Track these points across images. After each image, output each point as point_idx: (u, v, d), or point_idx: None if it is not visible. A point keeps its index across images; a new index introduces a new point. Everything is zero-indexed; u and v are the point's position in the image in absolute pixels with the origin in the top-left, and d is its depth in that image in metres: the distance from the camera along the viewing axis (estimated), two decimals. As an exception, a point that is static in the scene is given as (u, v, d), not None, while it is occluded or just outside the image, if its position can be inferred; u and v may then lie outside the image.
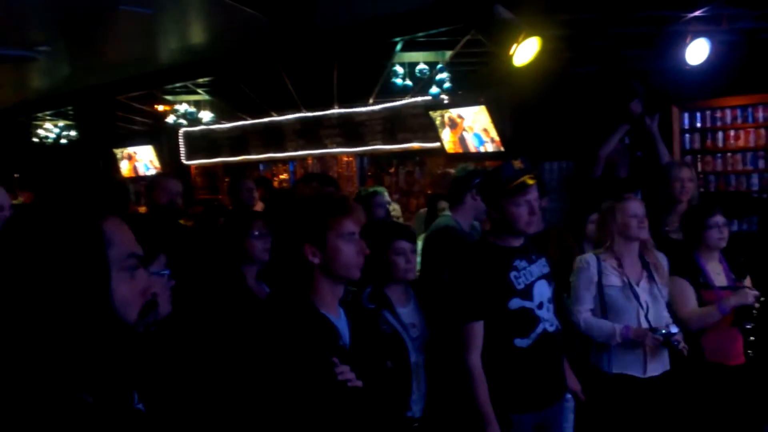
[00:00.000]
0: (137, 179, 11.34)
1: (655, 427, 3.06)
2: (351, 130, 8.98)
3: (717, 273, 3.38)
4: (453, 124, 7.65)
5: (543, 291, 2.64)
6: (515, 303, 2.56)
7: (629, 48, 5.54)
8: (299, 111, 9.30)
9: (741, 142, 5.88)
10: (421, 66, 6.44)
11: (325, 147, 9.38)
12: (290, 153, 9.88)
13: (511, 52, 4.29)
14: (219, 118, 9.88)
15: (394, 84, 6.69)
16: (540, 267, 2.69)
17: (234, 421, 1.90)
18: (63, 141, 11.44)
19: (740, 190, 5.89)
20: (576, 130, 6.03)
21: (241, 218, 2.91)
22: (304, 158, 9.93)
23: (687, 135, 6.18)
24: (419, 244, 4.20)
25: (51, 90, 8.72)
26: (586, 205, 4.10)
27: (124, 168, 12.17)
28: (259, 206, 5.14)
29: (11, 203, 1.70)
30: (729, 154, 5.97)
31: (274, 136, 10.00)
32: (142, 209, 5.10)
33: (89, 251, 1.03)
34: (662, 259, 3.22)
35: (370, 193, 4.12)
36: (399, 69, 6.57)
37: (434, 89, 6.84)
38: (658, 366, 3.08)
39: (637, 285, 3.08)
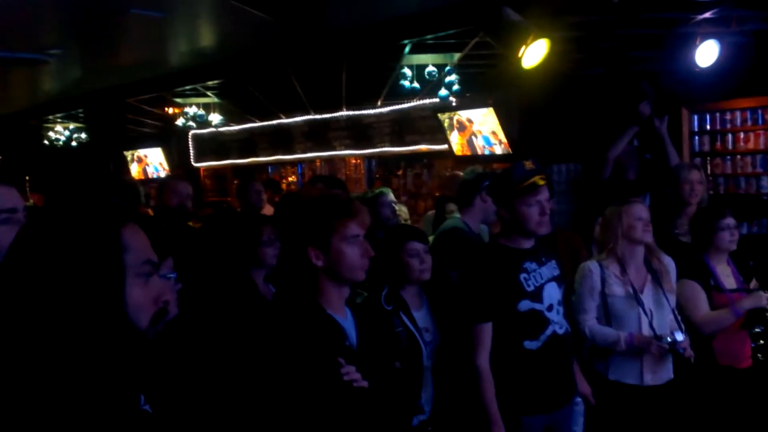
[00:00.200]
0: (147, 181, 11.39)
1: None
2: (359, 133, 8.99)
3: (726, 275, 3.37)
4: (461, 127, 7.65)
5: (553, 293, 2.63)
6: (525, 305, 2.56)
7: (638, 50, 5.53)
8: (308, 113, 9.32)
9: (751, 145, 5.85)
10: (430, 68, 6.44)
11: (334, 149, 9.39)
12: (299, 155, 9.90)
13: (519, 54, 4.29)
14: (228, 120, 9.91)
15: (403, 86, 6.70)
16: (550, 269, 2.68)
17: (239, 420, 1.91)
18: (73, 143, 11.51)
19: (750, 193, 5.86)
20: (584, 132, 6.01)
21: (250, 224, 2.92)
22: (312, 160, 9.95)
23: (696, 137, 6.15)
24: (428, 246, 4.22)
25: (62, 93, 8.79)
26: (595, 207, 4.09)
27: (134, 170, 12.23)
28: (267, 208, 5.16)
29: (25, 205, 1.72)
30: (738, 157, 5.93)
31: (282, 139, 10.03)
32: (149, 211, 5.11)
33: (106, 255, 1.04)
34: (669, 265, 3.16)
35: (375, 195, 4.13)
36: (407, 71, 6.58)
37: (442, 91, 6.84)
38: (660, 375, 3.04)
39: (641, 292, 3.04)
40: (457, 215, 3.54)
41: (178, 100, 8.91)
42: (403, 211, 4.95)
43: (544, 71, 4.56)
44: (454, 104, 7.50)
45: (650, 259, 3.13)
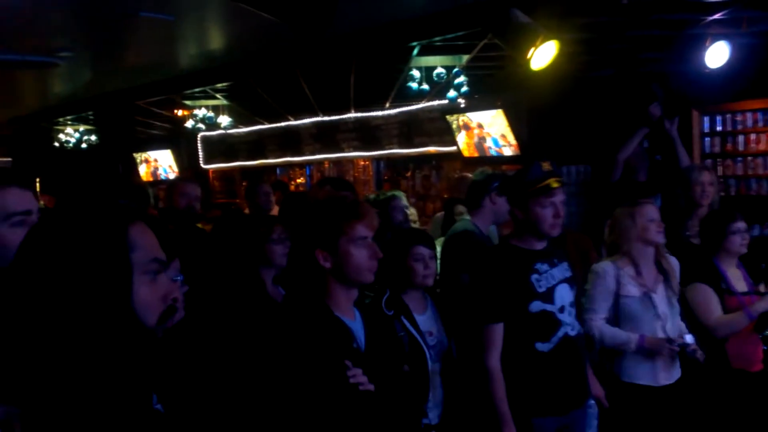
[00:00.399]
0: (156, 183, 11.44)
1: None
2: (367, 134, 8.99)
3: (737, 279, 3.35)
4: (469, 129, 7.64)
5: (565, 295, 2.63)
6: (536, 306, 2.55)
7: (648, 51, 5.51)
8: (316, 115, 9.33)
9: (762, 146, 5.81)
10: (438, 70, 6.44)
11: (342, 151, 9.40)
12: (307, 157, 9.92)
13: (528, 56, 4.28)
14: (237, 122, 9.95)
15: (411, 88, 6.69)
16: (562, 271, 2.67)
17: (245, 421, 1.91)
18: (84, 145, 11.58)
19: (761, 194, 5.82)
20: (594, 133, 6.00)
21: (260, 223, 2.92)
22: (320, 162, 9.96)
23: (707, 138, 6.12)
24: (438, 248, 4.21)
25: (72, 95, 8.84)
26: (605, 209, 4.07)
27: (142, 172, 12.29)
28: (276, 210, 5.16)
29: (39, 208, 1.73)
30: (749, 158, 5.90)
31: (291, 141, 10.05)
32: (154, 212, 5.12)
33: (113, 253, 1.05)
34: (675, 265, 3.18)
35: (388, 197, 4.11)
36: (416, 73, 6.58)
37: (451, 93, 6.84)
38: (672, 374, 3.05)
39: (654, 293, 3.05)
40: (467, 217, 3.53)
41: (188, 102, 8.95)
42: (412, 213, 4.94)
43: (553, 73, 4.54)
44: (462, 106, 7.49)
45: (660, 259, 3.13)
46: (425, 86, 6.64)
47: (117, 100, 8.63)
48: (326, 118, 9.34)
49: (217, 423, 2.02)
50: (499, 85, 6.99)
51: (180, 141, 11.47)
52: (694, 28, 4.71)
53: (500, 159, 7.41)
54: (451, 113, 7.69)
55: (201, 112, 8.97)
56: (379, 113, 8.71)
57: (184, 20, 5.17)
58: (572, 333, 2.62)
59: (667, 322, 3.02)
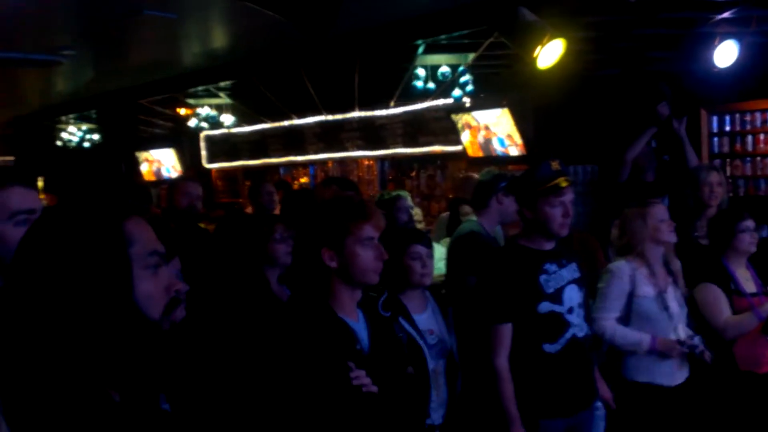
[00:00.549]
0: (159, 183, 11.44)
1: None
2: (372, 134, 8.97)
3: (746, 279, 3.34)
4: (475, 129, 7.60)
5: (573, 296, 2.61)
6: (545, 306, 2.54)
7: (656, 50, 5.48)
8: (320, 114, 9.31)
9: (771, 146, 5.78)
10: (443, 69, 6.41)
11: (346, 150, 9.38)
12: (311, 156, 9.90)
13: (535, 55, 4.24)
14: (240, 121, 9.94)
15: (416, 87, 6.67)
16: (571, 272, 2.65)
17: (249, 421, 1.90)
18: (86, 144, 11.60)
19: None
20: (601, 133, 5.97)
21: (262, 222, 2.91)
22: (324, 162, 9.95)
23: (715, 138, 6.09)
24: (442, 248, 4.17)
25: (75, 94, 8.85)
26: (612, 209, 4.04)
27: (145, 171, 12.29)
28: (279, 209, 5.13)
29: (42, 207, 1.73)
30: (758, 158, 5.87)
31: (294, 140, 10.03)
32: (158, 211, 5.10)
33: (111, 249, 1.04)
34: (679, 266, 3.21)
35: (393, 197, 4.09)
36: (421, 72, 6.55)
37: (456, 92, 6.81)
38: (683, 373, 3.07)
39: (666, 293, 3.05)
40: (473, 218, 3.51)
41: (191, 101, 8.94)
42: (417, 213, 4.91)
43: (560, 72, 4.52)
44: (468, 105, 7.46)
45: (668, 260, 3.15)
46: (431, 85, 6.61)
47: (120, 99, 8.64)
48: (330, 118, 9.32)
49: (222, 423, 2.01)
50: (505, 84, 6.97)
51: (183, 140, 11.47)
52: (703, 27, 4.68)
53: (506, 159, 7.39)
54: (457, 112, 7.66)
55: (204, 111, 8.97)
56: (384, 112, 8.69)
57: (188, 18, 5.16)
58: (580, 334, 2.61)
59: (678, 322, 3.03)
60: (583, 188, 6.11)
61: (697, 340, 2.97)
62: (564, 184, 2.55)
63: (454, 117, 7.74)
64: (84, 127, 11.45)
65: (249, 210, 5.69)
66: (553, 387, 2.55)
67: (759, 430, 3.17)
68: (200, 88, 7.98)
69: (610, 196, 4.77)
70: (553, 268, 2.60)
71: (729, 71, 4.77)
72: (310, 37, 3.98)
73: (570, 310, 2.58)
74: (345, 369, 1.82)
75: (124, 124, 10.80)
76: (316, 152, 9.78)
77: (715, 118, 6.07)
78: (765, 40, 4.96)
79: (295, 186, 9.90)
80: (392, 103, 8.40)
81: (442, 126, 8.07)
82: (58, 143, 11.60)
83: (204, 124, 9.28)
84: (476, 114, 7.49)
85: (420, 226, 4.91)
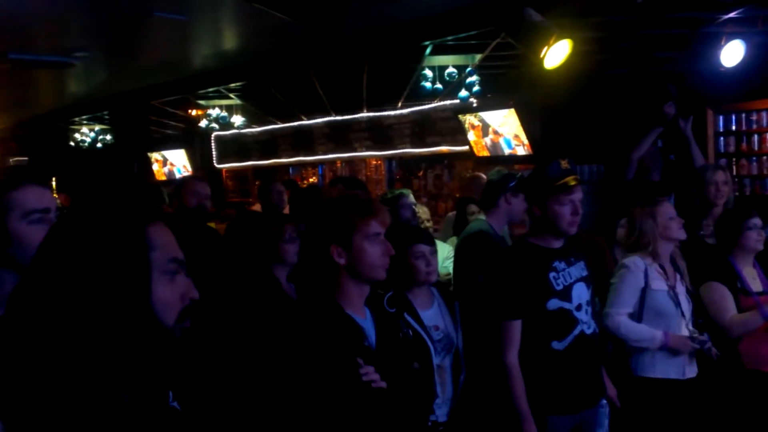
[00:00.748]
0: (170, 182, 11.53)
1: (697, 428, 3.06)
2: (380, 134, 9.01)
3: (753, 278, 3.34)
4: (483, 129, 7.62)
5: (582, 293, 2.63)
6: (553, 303, 2.56)
7: (662, 50, 5.47)
8: (329, 115, 9.36)
9: (778, 145, 5.76)
10: (451, 69, 6.43)
11: (354, 150, 9.42)
12: (319, 156, 9.95)
13: (541, 55, 4.26)
14: (250, 122, 10.00)
15: (423, 87, 6.69)
16: (579, 269, 2.68)
17: (259, 418, 1.93)
18: (99, 145, 11.69)
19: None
20: (607, 133, 5.97)
21: (273, 222, 2.95)
22: (333, 162, 9.99)
23: (722, 138, 6.06)
24: (448, 247, 4.21)
25: (88, 95, 8.92)
26: (618, 208, 4.06)
27: (157, 171, 12.38)
28: (288, 209, 5.18)
29: (57, 206, 1.76)
30: (765, 157, 5.83)
31: (303, 140, 10.08)
32: (170, 210, 5.15)
33: (133, 253, 1.05)
34: (684, 264, 3.24)
35: (396, 195, 4.13)
36: (428, 72, 6.57)
37: (463, 92, 6.82)
38: (693, 368, 3.09)
39: (675, 289, 3.09)
40: (482, 217, 3.53)
41: (201, 102, 9.00)
42: (423, 212, 4.94)
43: (567, 72, 4.53)
44: (475, 105, 7.48)
45: (675, 256, 3.18)
46: (438, 85, 6.64)
47: (132, 100, 8.70)
48: (339, 118, 9.36)
49: (232, 420, 2.04)
50: (511, 85, 6.97)
51: (194, 140, 11.55)
52: (709, 27, 4.68)
53: (513, 158, 7.39)
54: (464, 113, 7.68)
55: (215, 112, 9.03)
56: (392, 113, 8.72)
57: (198, 20, 5.21)
58: (588, 331, 2.62)
59: (688, 318, 3.06)
60: (590, 188, 6.12)
61: (705, 336, 3.01)
62: (573, 183, 2.58)
63: (461, 117, 7.76)
64: (97, 127, 11.53)
65: (256, 208, 5.72)
66: (561, 384, 2.56)
67: (763, 428, 3.18)
68: (211, 89, 8.03)
69: (617, 196, 4.79)
70: (561, 265, 2.62)
71: (735, 71, 4.76)
72: (319, 38, 4.02)
73: (578, 307, 2.60)
74: (354, 365, 1.84)
75: (136, 125, 10.88)
76: (325, 152, 9.82)
77: (721, 118, 6.04)
78: (772, 39, 4.95)
79: (304, 186, 9.95)
80: (400, 104, 8.43)
81: (450, 126, 8.09)
82: (72, 144, 11.69)
83: (215, 125, 9.34)
84: (483, 114, 7.51)
85: (428, 225, 4.94)
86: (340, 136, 9.53)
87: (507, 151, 7.49)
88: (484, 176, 5.14)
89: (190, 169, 11.79)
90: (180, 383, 1.28)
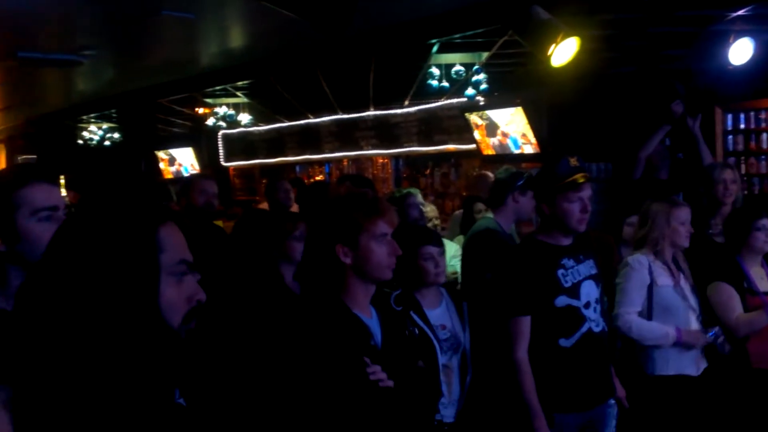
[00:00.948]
0: (177, 181, 11.56)
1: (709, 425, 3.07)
2: (386, 132, 9.01)
3: (761, 278, 3.34)
4: (489, 127, 7.61)
5: (590, 291, 2.64)
6: (562, 300, 2.56)
7: (670, 48, 5.45)
8: (335, 113, 9.37)
9: (786, 144, 5.74)
10: (458, 67, 6.42)
11: (361, 149, 9.42)
12: (326, 155, 9.96)
13: (549, 53, 4.25)
14: (257, 120, 10.01)
15: (430, 86, 6.68)
16: (588, 267, 2.68)
17: (265, 415, 1.92)
18: (107, 143, 11.73)
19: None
20: (615, 131, 5.96)
21: (285, 219, 2.94)
22: (339, 160, 10.00)
23: (730, 136, 6.04)
24: (456, 246, 4.21)
25: (95, 93, 8.95)
26: (626, 207, 4.05)
27: (164, 169, 12.42)
28: (295, 207, 5.20)
29: (65, 204, 1.76)
30: (774, 156, 5.82)
31: (310, 138, 10.10)
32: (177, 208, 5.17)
33: (142, 255, 1.05)
34: (686, 264, 3.26)
35: (403, 195, 4.13)
36: (435, 70, 6.56)
37: (470, 91, 6.81)
38: (703, 363, 3.13)
39: (680, 284, 3.12)
40: (489, 215, 3.53)
41: (209, 100, 9.01)
42: (431, 210, 4.94)
43: (574, 70, 4.51)
44: (481, 103, 7.47)
45: (677, 256, 3.20)
46: (445, 84, 6.63)
47: (139, 98, 8.72)
48: (345, 116, 9.37)
49: (238, 417, 2.04)
50: (519, 83, 6.96)
51: (201, 139, 11.58)
52: (718, 25, 4.66)
53: (520, 156, 7.38)
54: (471, 111, 7.67)
55: (222, 110, 9.04)
56: (399, 111, 8.72)
57: (206, 18, 5.22)
58: (596, 329, 2.62)
59: (698, 312, 3.09)
60: (597, 186, 6.10)
61: (718, 329, 3.05)
62: (582, 180, 2.58)
63: (468, 116, 7.75)
64: (104, 126, 11.56)
65: (263, 206, 5.74)
66: (568, 381, 2.56)
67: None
68: (218, 87, 8.04)
69: (624, 194, 4.78)
70: (570, 263, 2.62)
71: (744, 69, 4.75)
72: (326, 36, 4.02)
73: (587, 305, 2.60)
74: (361, 364, 1.84)
75: (143, 123, 10.91)
76: (332, 150, 9.83)
77: (729, 116, 6.02)
78: (781, 37, 4.92)
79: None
80: (407, 102, 8.43)
81: (456, 124, 8.09)
82: (79, 142, 11.74)
83: (222, 123, 9.36)
84: (490, 112, 7.50)
85: (436, 223, 4.94)
86: (346, 135, 9.53)
87: (515, 151, 7.48)
88: (490, 174, 5.15)
89: (197, 167, 11.82)
90: (186, 381, 1.28)
